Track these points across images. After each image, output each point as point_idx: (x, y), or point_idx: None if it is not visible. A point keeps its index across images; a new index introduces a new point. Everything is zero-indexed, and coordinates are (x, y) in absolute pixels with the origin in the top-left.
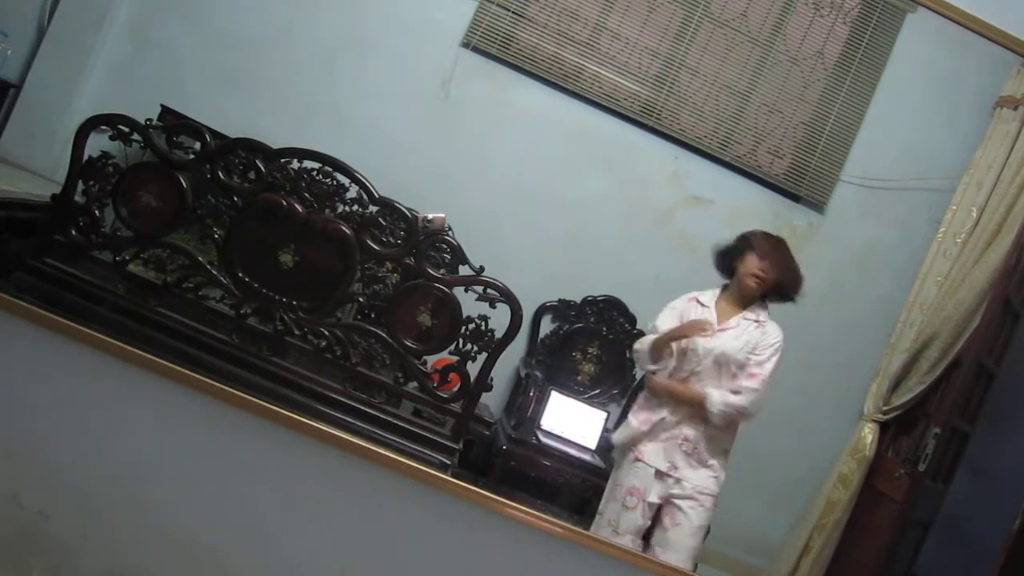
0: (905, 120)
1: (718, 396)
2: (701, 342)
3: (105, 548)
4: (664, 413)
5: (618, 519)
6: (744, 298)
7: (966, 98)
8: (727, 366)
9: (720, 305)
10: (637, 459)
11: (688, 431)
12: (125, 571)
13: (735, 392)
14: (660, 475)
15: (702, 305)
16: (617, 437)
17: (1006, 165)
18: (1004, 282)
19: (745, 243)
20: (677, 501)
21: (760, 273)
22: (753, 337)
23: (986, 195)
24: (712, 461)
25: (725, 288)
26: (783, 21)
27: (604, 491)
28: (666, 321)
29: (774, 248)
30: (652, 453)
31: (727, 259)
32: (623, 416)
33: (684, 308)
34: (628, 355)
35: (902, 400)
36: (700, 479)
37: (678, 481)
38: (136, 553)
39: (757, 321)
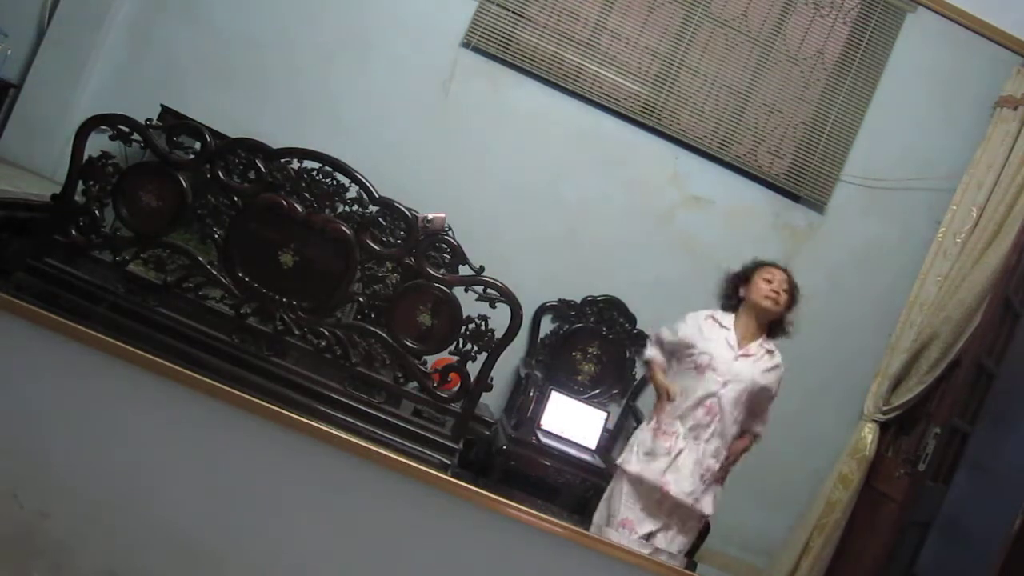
0: (905, 120)
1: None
2: (723, 365)
3: (105, 548)
4: (690, 443)
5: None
6: (758, 324)
7: (966, 98)
8: (744, 392)
9: (738, 328)
10: (663, 496)
11: (711, 461)
12: (125, 571)
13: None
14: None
15: (721, 326)
16: (650, 473)
17: (1006, 165)
18: (1004, 282)
19: (751, 269)
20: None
21: (773, 295)
22: (766, 364)
23: (986, 195)
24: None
25: (738, 315)
26: (783, 21)
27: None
28: (685, 331)
29: (780, 272)
30: (680, 488)
31: (735, 286)
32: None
33: (703, 325)
34: (628, 355)
35: (902, 400)
36: (707, 503)
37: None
38: (136, 553)
39: (770, 351)
